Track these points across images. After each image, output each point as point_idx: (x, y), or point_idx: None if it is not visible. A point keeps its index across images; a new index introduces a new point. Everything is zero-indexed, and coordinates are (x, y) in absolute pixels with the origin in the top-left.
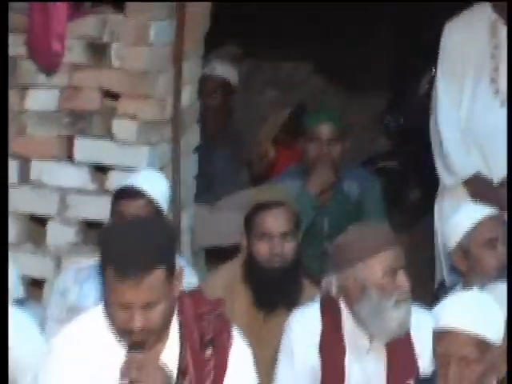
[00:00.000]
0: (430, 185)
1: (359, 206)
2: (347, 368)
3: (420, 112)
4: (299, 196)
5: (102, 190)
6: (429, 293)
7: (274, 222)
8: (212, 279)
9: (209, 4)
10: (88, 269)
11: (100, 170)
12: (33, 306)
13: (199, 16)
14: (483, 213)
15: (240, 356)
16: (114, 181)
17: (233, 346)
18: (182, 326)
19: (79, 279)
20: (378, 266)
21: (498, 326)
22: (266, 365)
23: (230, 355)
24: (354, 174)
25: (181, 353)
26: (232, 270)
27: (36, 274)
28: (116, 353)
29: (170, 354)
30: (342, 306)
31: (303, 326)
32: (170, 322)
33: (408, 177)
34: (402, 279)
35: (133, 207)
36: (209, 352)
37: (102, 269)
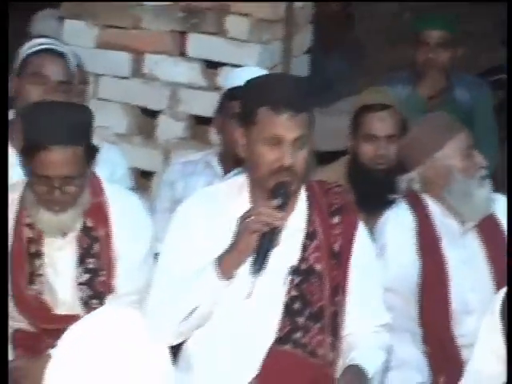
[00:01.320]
0: None
1: (469, 116)
2: (446, 256)
3: None
4: (408, 100)
5: (212, 86)
6: None
7: (380, 124)
8: (318, 177)
9: None
10: (195, 163)
11: (211, 66)
12: (142, 197)
13: None
14: None
15: (365, 231)
16: (225, 77)
17: (359, 218)
18: (309, 195)
19: (186, 172)
20: (455, 149)
21: None
22: None
23: (357, 223)
24: (467, 82)
25: (309, 217)
26: (337, 169)
27: (145, 166)
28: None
29: (298, 218)
30: (427, 198)
31: (397, 225)
32: (307, 173)
33: None
34: (479, 158)
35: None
36: (336, 219)
37: (251, 111)
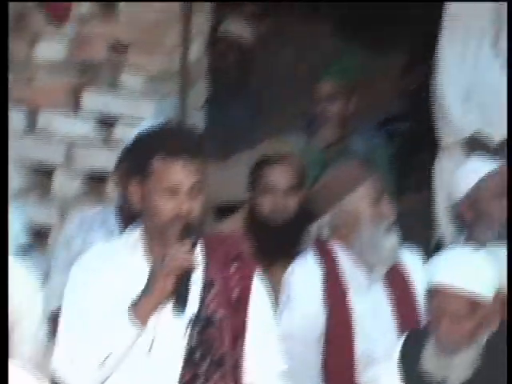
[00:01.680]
0: (436, 149)
1: (366, 163)
2: (352, 306)
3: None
4: (305, 150)
5: (108, 141)
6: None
7: (279, 175)
8: (218, 229)
9: None
10: (92, 219)
11: (107, 121)
12: (37, 255)
13: None
14: (492, 165)
15: (262, 279)
16: (120, 132)
17: (256, 267)
18: (207, 245)
19: (83, 228)
20: (364, 195)
21: (490, 283)
22: None
23: (254, 272)
24: (363, 131)
25: (206, 267)
26: (237, 221)
27: (41, 222)
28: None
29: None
30: (336, 246)
31: (304, 275)
32: (202, 222)
33: (416, 140)
34: (387, 207)
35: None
36: (233, 268)
37: (145, 162)
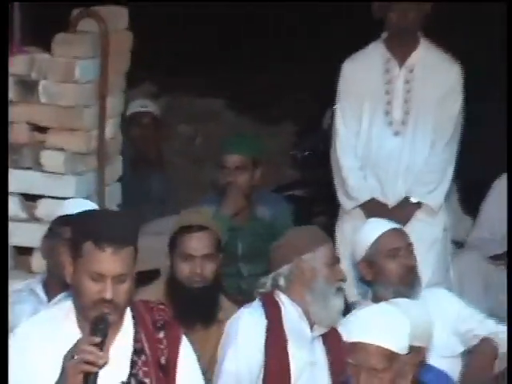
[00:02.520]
0: (335, 211)
1: (271, 229)
2: (291, 359)
3: (325, 144)
4: (214, 219)
5: (32, 218)
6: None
7: (197, 244)
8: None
9: (130, 43)
10: (19, 291)
11: (30, 199)
12: None
13: (121, 54)
14: (386, 226)
15: (188, 344)
16: (44, 209)
17: (181, 332)
18: (134, 314)
19: (11, 302)
20: (322, 255)
21: (402, 336)
22: None
23: (180, 337)
24: (267, 199)
25: (135, 335)
26: (157, 288)
27: None
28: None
29: (125, 337)
30: (283, 299)
31: (249, 324)
32: (129, 303)
33: (315, 204)
34: (340, 269)
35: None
36: (161, 334)
37: (77, 244)
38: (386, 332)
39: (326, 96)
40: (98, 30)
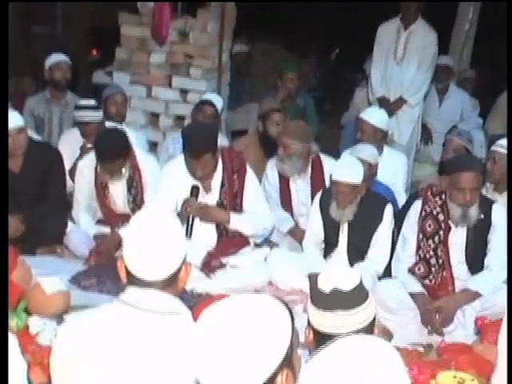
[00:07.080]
0: (338, 105)
1: (304, 110)
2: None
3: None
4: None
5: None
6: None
7: (278, 118)
8: (236, 143)
9: (235, 13)
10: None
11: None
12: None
13: (230, 19)
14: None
15: (251, 178)
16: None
17: (247, 174)
18: (224, 162)
19: (174, 142)
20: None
21: (360, 174)
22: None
23: (246, 178)
24: (301, 94)
25: (223, 175)
26: (250, 138)
27: None
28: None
29: (217, 178)
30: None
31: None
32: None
33: (326, 101)
34: None
35: (207, 111)
36: (235, 176)
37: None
38: (351, 173)
39: (364, 44)
40: (219, 5)
